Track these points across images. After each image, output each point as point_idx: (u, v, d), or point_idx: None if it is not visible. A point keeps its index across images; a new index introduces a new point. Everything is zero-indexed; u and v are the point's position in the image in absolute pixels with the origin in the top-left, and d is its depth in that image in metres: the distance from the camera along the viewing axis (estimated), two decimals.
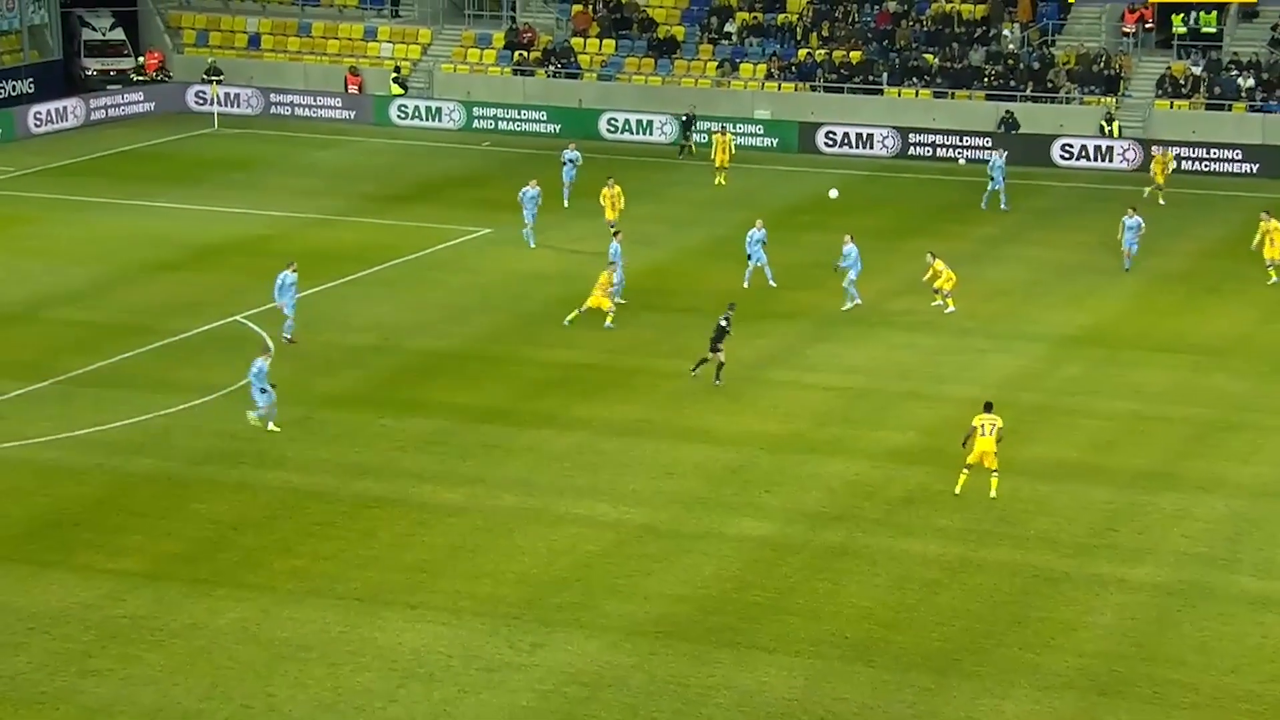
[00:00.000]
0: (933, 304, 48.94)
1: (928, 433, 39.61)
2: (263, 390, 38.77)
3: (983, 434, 35.38)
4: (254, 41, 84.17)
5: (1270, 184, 67.00)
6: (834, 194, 57.17)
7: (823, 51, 76.97)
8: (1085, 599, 31.34)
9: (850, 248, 48.94)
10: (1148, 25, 75.32)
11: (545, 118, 76.81)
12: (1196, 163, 68.75)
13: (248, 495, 35.92)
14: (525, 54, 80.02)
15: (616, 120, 75.87)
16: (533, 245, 55.59)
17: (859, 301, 48.93)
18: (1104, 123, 71.03)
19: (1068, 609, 30.94)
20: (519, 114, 77.23)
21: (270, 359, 39.11)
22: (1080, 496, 35.92)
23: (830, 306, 49.40)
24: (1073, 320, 48.55)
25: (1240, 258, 53.42)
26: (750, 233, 51.20)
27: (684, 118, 72.82)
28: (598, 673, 28.61)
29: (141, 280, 52.27)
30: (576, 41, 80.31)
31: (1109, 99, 72.38)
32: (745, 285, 50.55)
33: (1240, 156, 68.63)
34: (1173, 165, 64.06)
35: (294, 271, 45.64)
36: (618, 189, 56.90)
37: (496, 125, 77.25)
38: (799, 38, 78.33)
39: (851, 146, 72.47)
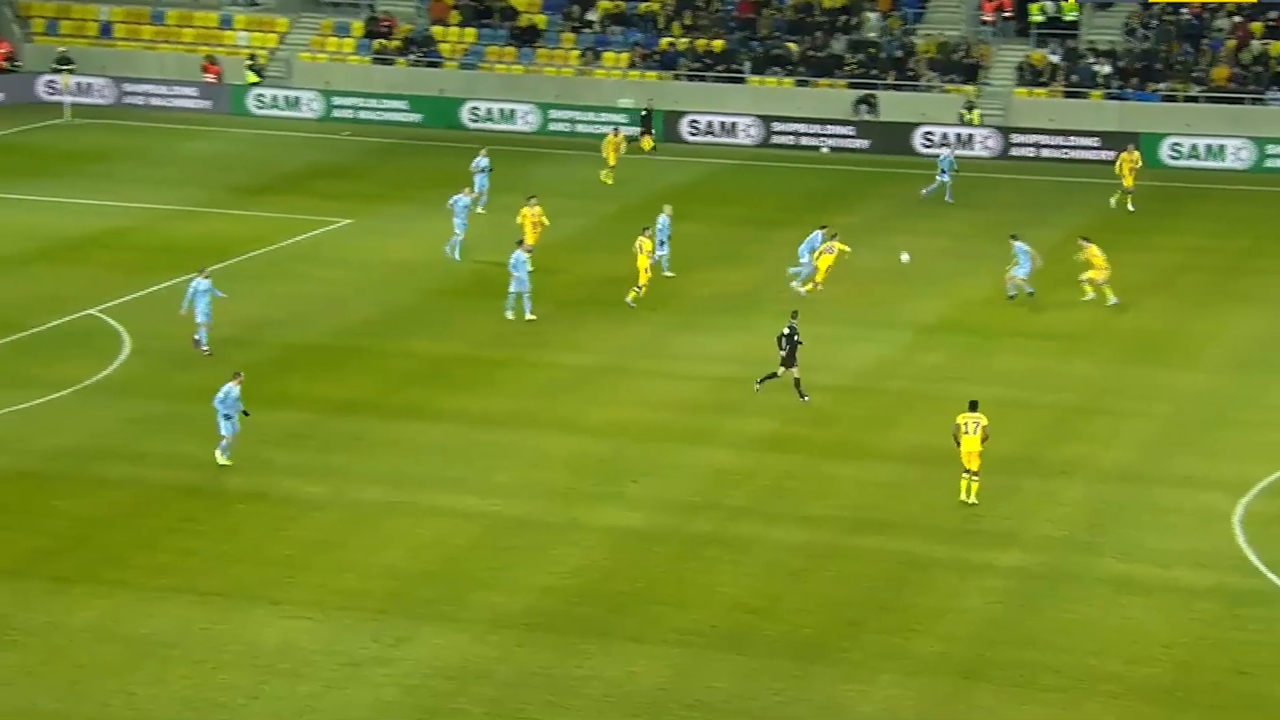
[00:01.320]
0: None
1: (795, 421, 39.68)
2: (226, 417, 35.90)
3: (967, 432, 34.40)
4: (106, 30, 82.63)
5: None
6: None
7: (685, 40, 77.01)
8: (951, 584, 31.52)
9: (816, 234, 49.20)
10: (1007, 14, 76.10)
11: (406, 107, 76.23)
12: (1055, 150, 69.60)
13: (108, 491, 35.27)
14: (385, 43, 79.34)
15: (479, 109, 75.45)
16: (458, 258, 52.11)
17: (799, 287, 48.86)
18: (964, 111, 71.71)
19: (934, 594, 31.10)
20: (379, 103, 76.56)
21: (240, 382, 36.31)
22: (946, 482, 36.06)
23: (696, 295, 49.36)
24: (936, 308, 48.89)
25: (1100, 245, 53.93)
26: (659, 219, 51.03)
27: (643, 112, 71.67)
28: (464, 666, 28.36)
29: None
30: (438, 30, 79.76)
31: (969, 87, 73.06)
32: (667, 274, 50.46)
33: (1098, 144, 69.53)
34: (1139, 164, 60.97)
35: (205, 277, 43.70)
36: (539, 209, 52.30)
37: (357, 115, 76.53)
38: (661, 26, 78.29)
39: (715, 135, 72.59)
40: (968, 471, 34.59)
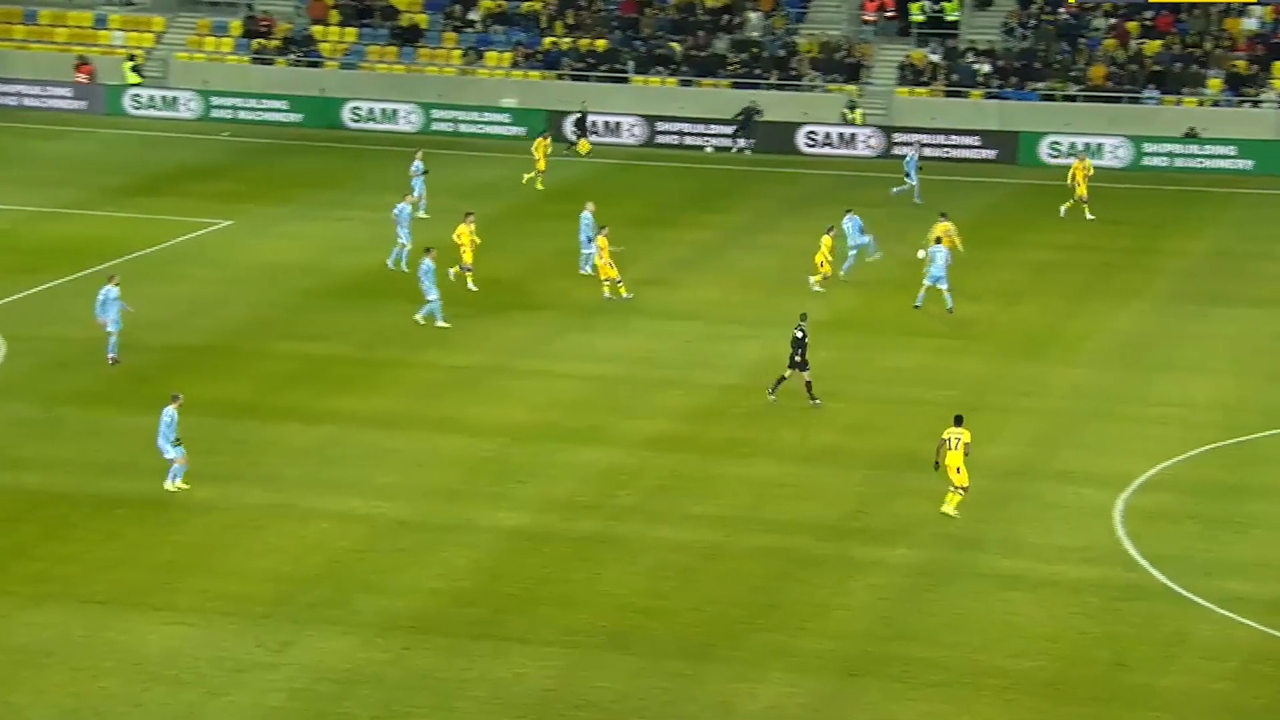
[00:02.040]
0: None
1: (682, 420, 39.68)
2: (176, 443, 34.67)
3: (951, 448, 33.94)
4: None
5: (1007, 169, 68.66)
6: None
7: (568, 40, 76.89)
8: (838, 581, 31.62)
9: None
10: (889, 14, 76.61)
11: (287, 107, 75.57)
12: (937, 149, 70.14)
13: None
14: (264, 42, 78.59)
15: (360, 109, 74.93)
16: (405, 269, 49.77)
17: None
18: (846, 110, 72.10)
19: (821, 591, 31.18)
20: (259, 103, 75.86)
21: (180, 405, 35.01)
22: (834, 479, 36.25)
23: (580, 296, 49.24)
24: (821, 306, 48.97)
25: (982, 243, 54.40)
26: (583, 216, 50.88)
27: (578, 115, 71.08)
28: (351, 669, 28.08)
29: None
30: (317, 30, 79.12)
31: (851, 87, 73.47)
32: (583, 271, 50.50)
33: (979, 142, 70.18)
34: (1092, 172, 60.31)
35: (115, 285, 42.46)
36: (473, 225, 49.68)
37: (236, 115, 75.79)
38: (544, 26, 78.13)
39: (600, 135, 72.47)
40: (954, 486, 33.93)
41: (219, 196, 61.38)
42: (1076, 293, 51.19)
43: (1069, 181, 60.13)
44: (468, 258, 48.80)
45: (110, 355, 42.20)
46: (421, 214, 55.58)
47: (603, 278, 48.55)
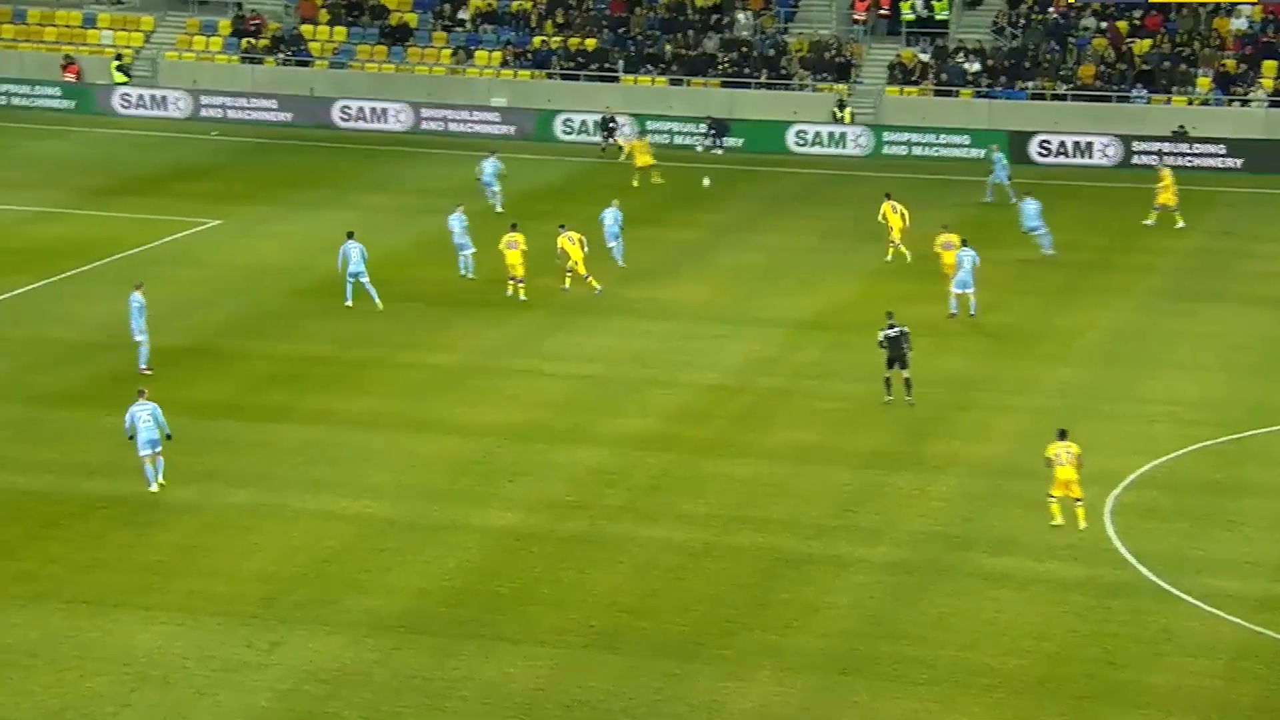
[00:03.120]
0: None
1: (669, 419, 39.63)
2: (168, 438, 34.77)
3: (1061, 463, 33.43)
4: None
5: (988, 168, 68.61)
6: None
7: (558, 39, 76.82)
8: (826, 580, 31.58)
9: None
10: (882, 11, 76.53)
11: (276, 106, 75.42)
12: (926, 148, 70.09)
13: None
14: (254, 41, 78.46)
15: (350, 108, 74.80)
16: (471, 275, 50.21)
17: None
18: (836, 109, 72.06)
19: (809, 590, 31.14)
20: (248, 102, 75.72)
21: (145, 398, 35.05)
22: (820, 478, 36.21)
23: (566, 296, 49.15)
24: (808, 305, 49.01)
25: (972, 242, 54.28)
26: (609, 212, 51.65)
27: (602, 118, 70.98)
28: (339, 670, 28.02)
29: None
30: (307, 29, 79.00)
31: (841, 86, 73.43)
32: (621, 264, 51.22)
33: (969, 141, 70.12)
34: (1168, 181, 58.40)
35: (141, 293, 42.03)
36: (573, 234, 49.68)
37: (225, 114, 75.63)
38: (534, 25, 78.04)
39: (590, 134, 72.34)
40: (1069, 498, 33.46)
41: (207, 196, 61.26)
42: (1063, 291, 51.16)
43: (1155, 192, 58.53)
44: (581, 269, 48.84)
45: (142, 367, 41.63)
46: (499, 209, 57.31)
47: (569, 271, 48.39)
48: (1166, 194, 58.44)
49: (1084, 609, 30.56)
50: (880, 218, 53.34)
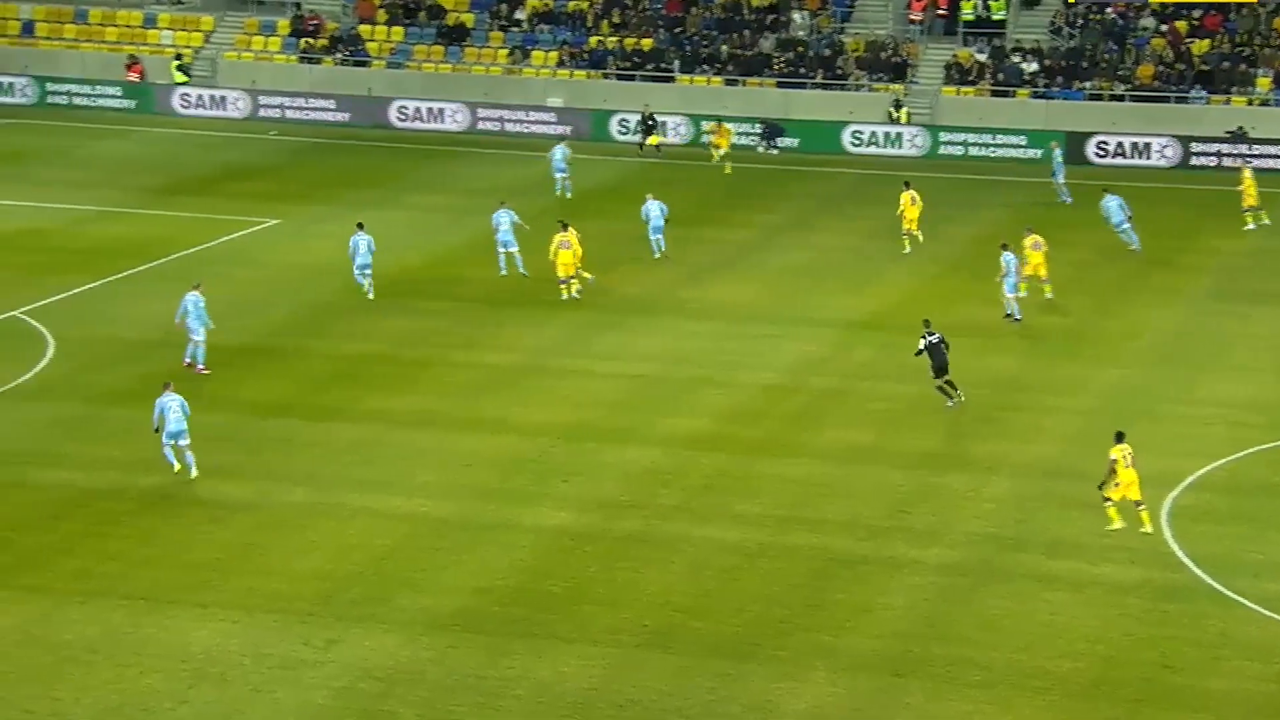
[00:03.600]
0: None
1: (722, 419, 39.65)
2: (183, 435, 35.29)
3: (1127, 465, 32.93)
4: (28, 29, 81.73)
5: (1046, 168, 68.31)
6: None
7: (614, 39, 76.92)
8: (880, 581, 31.56)
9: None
10: (941, 11, 76.30)
11: (334, 106, 75.79)
12: (983, 149, 69.88)
13: (27, 495, 34.87)
14: (312, 41, 78.87)
15: (406, 108, 75.10)
16: (523, 272, 50.15)
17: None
18: (892, 109, 71.91)
19: (863, 591, 31.12)
20: (306, 102, 76.11)
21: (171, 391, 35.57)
22: (874, 479, 36.18)
23: (619, 293, 49.22)
24: (861, 305, 48.95)
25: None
26: (652, 204, 52.56)
27: (641, 117, 71.08)
28: (394, 668, 28.17)
29: None
30: (364, 29, 79.36)
31: (897, 86, 73.27)
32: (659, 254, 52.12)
33: (1024, 142, 69.87)
34: (1249, 183, 58.07)
35: (200, 293, 42.27)
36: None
37: (283, 114, 76.05)
38: (590, 25, 78.17)
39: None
40: (1129, 500, 33.03)
41: (265, 196, 61.62)
42: (1118, 292, 50.91)
43: (1242, 193, 58.21)
44: (572, 269, 48.41)
45: (196, 365, 41.94)
46: (568, 195, 59.76)
47: (562, 275, 48.30)
48: (1250, 196, 57.97)
49: (1140, 612, 30.44)
50: (899, 209, 53.86)
